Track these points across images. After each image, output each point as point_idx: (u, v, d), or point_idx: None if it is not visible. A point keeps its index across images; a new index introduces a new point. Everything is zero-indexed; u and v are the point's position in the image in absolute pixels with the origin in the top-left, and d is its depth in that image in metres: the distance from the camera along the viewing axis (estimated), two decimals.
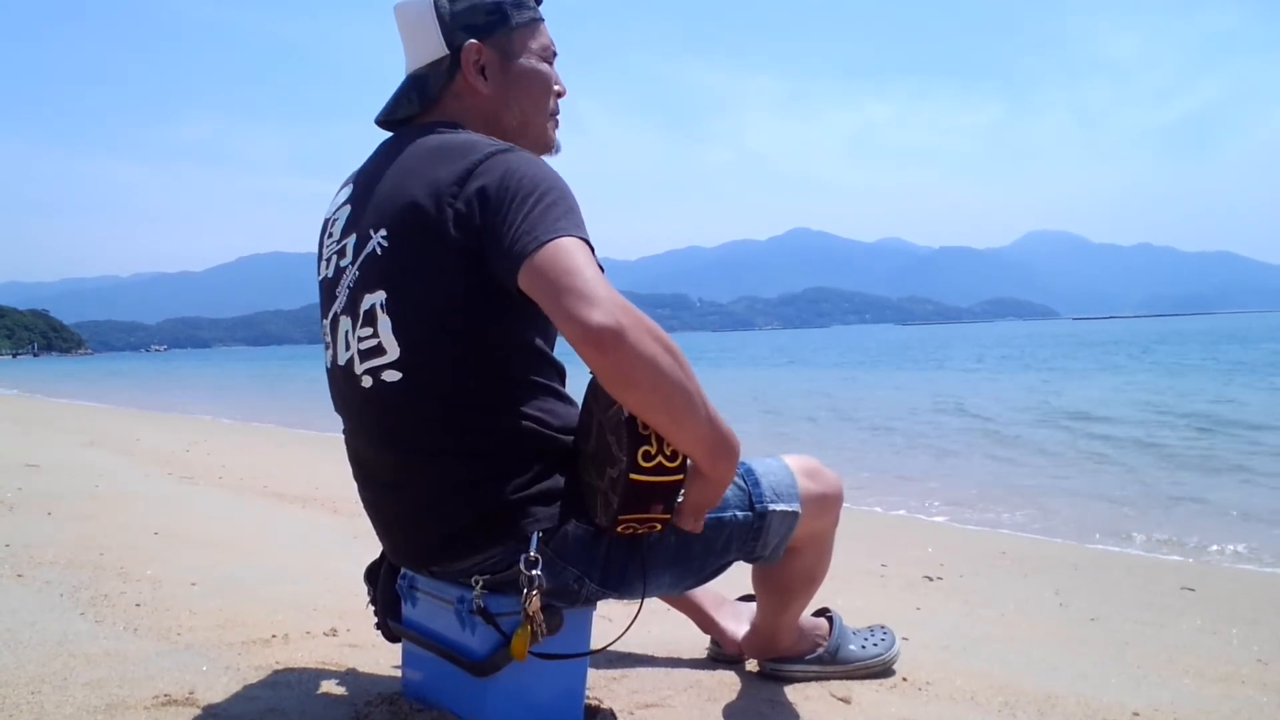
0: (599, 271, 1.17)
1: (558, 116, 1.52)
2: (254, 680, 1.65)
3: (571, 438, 1.35)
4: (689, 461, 1.25)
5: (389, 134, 1.47)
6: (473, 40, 1.40)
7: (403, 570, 1.49)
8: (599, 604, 1.41)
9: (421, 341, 1.29)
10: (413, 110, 1.44)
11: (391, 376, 1.30)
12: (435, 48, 1.41)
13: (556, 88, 1.50)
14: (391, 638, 1.57)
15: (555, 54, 1.50)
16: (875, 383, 18.75)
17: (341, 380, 1.39)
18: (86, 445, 7.09)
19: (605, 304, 1.12)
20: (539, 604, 1.25)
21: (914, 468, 7.03)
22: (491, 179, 1.24)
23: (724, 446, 1.24)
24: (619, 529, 1.26)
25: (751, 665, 1.86)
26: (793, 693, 1.72)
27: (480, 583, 1.30)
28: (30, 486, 4.26)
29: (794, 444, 8.69)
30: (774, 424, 10.97)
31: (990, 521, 4.87)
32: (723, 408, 1.23)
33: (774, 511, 1.50)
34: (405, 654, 1.55)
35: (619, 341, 1.11)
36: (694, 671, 1.82)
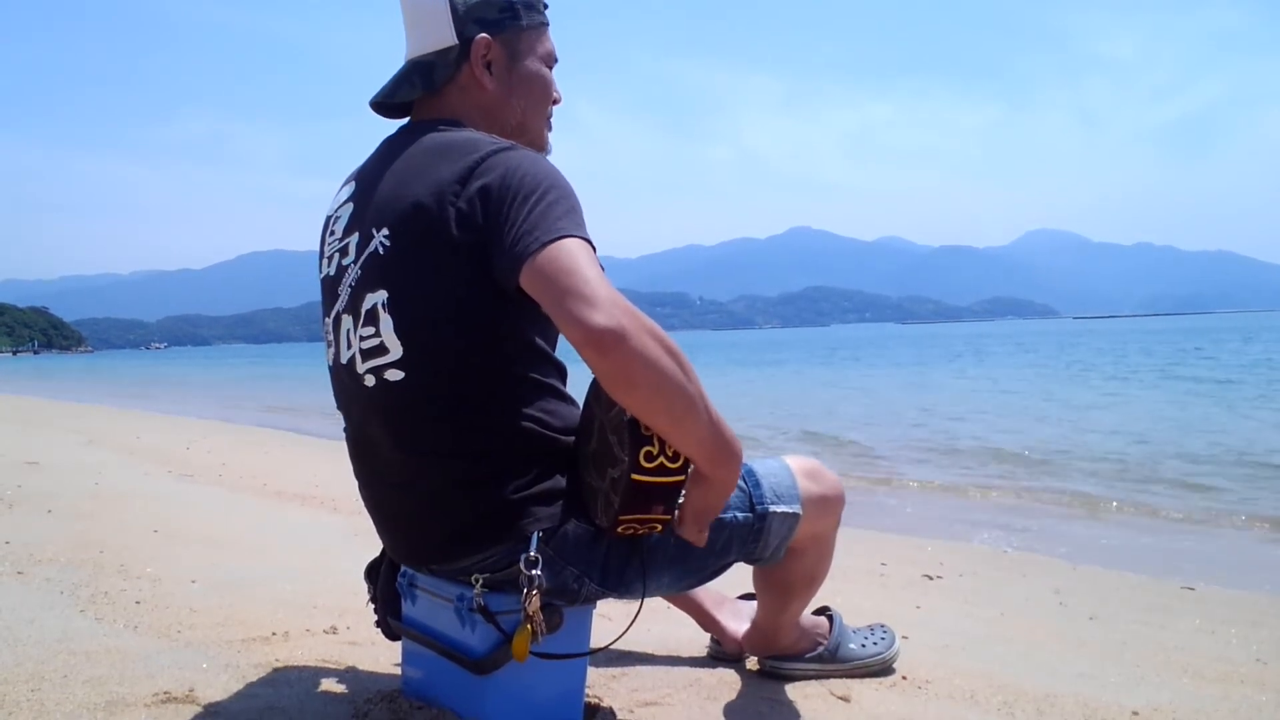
0: (600, 272, 1.17)
1: (551, 122, 1.53)
2: (254, 678, 1.65)
3: (572, 438, 1.35)
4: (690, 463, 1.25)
5: (387, 120, 1.47)
6: (484, 34, 1.40)
7: (403, 568, 1.50)
8: (599, 603, 1.41)
9: (423, 341, 1.29)
10: (413, 95, 1.43)
11: (394, 376, 1.30)
12: (444, 36, 1.40)
13: (554, 94, 1.51)
14: (391, 635, 1.57)
15: (556, 60, 1.50)
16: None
17: (344, 378, 1.39)
18: (86, 444, 7.08)
19: (607, 305, 1.12)
20: (539, 603, 1.26)
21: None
22: (494, 177, 1.24)
23: (725, 450, 1.24)
24: (619, 529, 1.26)
25: (751, 663, 1.86)
26: (792, 691, 1.72)
27: (480, 581, 1.30)
28: (30, 484, 4.25)
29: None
30: None
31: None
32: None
33: (774, 513, 1.50)
34: (405, 652, 1.55)
35: (620, 343, 1.11)
36: (694, 670, 1.82)
